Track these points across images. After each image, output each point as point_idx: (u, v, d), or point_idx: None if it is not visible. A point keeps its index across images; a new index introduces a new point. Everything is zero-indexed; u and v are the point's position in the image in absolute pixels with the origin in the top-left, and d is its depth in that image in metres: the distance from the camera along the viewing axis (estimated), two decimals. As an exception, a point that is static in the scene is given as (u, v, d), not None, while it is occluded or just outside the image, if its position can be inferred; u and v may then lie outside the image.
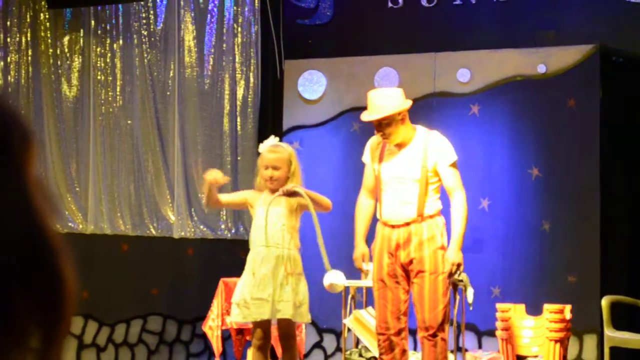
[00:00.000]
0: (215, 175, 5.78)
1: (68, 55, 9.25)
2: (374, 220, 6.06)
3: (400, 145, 5.89)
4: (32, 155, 0.97)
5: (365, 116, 5.89)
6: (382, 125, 5.81)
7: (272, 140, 5.98)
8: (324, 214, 6.09)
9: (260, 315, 5.73)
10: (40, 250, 0.95)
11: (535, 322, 7.12)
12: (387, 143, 5.91)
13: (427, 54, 8.64)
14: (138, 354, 9.24)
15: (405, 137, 5.88)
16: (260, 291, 5.73)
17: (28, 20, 9.17)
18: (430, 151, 5.83)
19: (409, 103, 5.87)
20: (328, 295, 7.43)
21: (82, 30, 9.25)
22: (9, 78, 9.07)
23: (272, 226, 5.79)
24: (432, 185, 5.85)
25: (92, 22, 9.23)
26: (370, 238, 6.06)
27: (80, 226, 9.13)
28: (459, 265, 5.79)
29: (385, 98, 5.83)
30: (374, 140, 6.03)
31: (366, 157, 6.08)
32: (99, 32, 9.25)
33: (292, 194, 5.76)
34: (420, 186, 5.81)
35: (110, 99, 9.22)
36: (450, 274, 5.81)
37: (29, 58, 9.17)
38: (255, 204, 5.90)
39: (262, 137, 6.21)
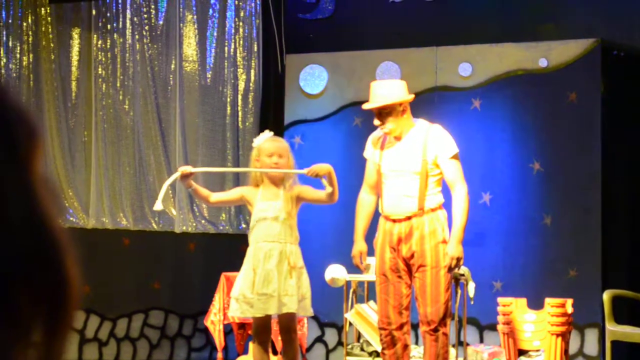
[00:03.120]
0: (183, 169, 5.79)
1: (69, 49, 9.24)
2: (376, 215, 6.05)
3: (400, 138, 5.88)
4: (38, 152, 0.97)
5: (367, 104, 5.89)
6: (383, 115, 5.80)
7: (268, 134, 5.99)
8: (327, 206, 6.09)
9: (266, 310, 5.72)
10: (44, 246, 0.95)
11: (536, 316, 7.12)
12: (387, 135, 5.89)
13: (429, 48, 8.63)
14: (140, 348, 9.24)
15: (405, 129, 5.86)
16: (265, 287, 5.72)
17: (29, 15, 9.16)
18: (430, 144, 5.81)
19: (411, 96, 5.86)
20: (330, 290, 7.44)
21: (83, 25, 9.25)
22: (11, 73, 9.06)
23: (274, 220, 5.79)
24: (433, 178, 5.82)
25: (93, 17, 9.23)
26: (371, 233, 6.05)
27: (82, 221, 9.13)
28: (458, 260, 5.75)
29: (388, 87, 5.83)
30: (375, 135, 6.03)
31: (367, 152, 6.07)
32: (100, 26, 9.25)
33: (316, 176, 5.78)
34: (421, 179, 5.78)
35: (111, 93, 9.22)
36: (450, 268, 5.78)
37: (30, 53, 9.16)
38: (253, 199, 5.90)
39: (263, 131, 6.21)
